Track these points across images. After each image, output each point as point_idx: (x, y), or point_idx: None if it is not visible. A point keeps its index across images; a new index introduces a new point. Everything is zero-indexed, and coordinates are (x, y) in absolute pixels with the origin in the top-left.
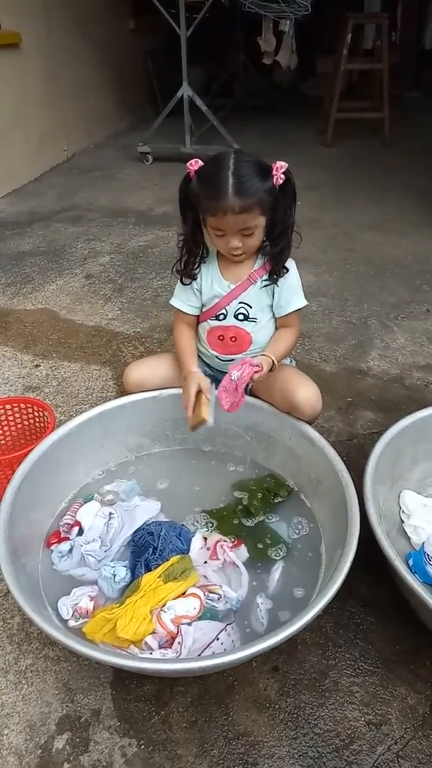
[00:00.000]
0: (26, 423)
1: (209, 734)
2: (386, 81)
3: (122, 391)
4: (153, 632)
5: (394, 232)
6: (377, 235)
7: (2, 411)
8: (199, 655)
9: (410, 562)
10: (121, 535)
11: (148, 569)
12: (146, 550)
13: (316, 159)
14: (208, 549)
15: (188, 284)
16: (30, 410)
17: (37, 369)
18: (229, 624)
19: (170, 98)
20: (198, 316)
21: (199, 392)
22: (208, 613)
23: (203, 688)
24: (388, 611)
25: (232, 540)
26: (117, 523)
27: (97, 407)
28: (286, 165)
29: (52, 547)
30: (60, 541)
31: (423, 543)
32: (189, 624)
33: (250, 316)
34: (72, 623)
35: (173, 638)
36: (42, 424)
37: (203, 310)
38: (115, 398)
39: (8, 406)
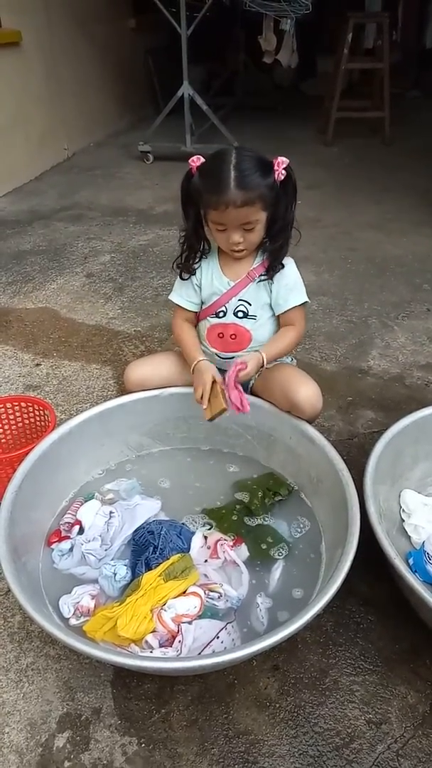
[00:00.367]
0: (27, 422)
1: (209, 733)
2: (387, 80)
3: (123, 390)
4: (153, 631)
5: (395, 231)
6: (378, 234)
7: (3, 410)
8: (200, 653)
9: (410, 561)
10: (122, 533)
11: (149, 568)
12: (147, 548)
13: (317, 158)
14: (209, 548)
15: (187, 279)
16: (30, 409)
17: (38, 368)
18: (230, 623)
19: (171, 97)
20: (197, 313)
21: (213, 382)
22: (208, 612)
23: (203, 686)
24: (389, 610)
25: (232, 538)
26: (117, 521)
27: (98, 406)
28: (287, 161)
29: (53, 546)
30: (60, 539)
31: (423, 542)
32: (189, 623)
33: (250, 314)
34: (73, 622)
35: (174, 637)
36: (42, 423)
37: (203, 307)
38: (116, 397)
39: (9, 405)
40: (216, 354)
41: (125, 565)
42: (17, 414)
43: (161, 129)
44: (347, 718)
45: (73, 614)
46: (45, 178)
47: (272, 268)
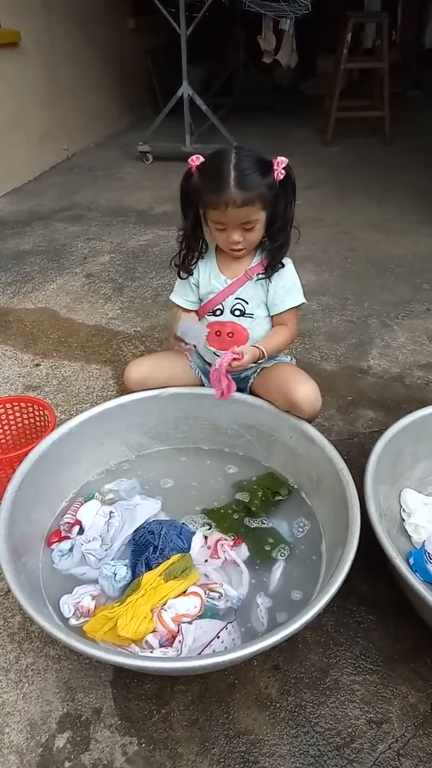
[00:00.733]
0: (27, 422)
1: (210, 733)
2: (386, 80)
3: (122, 390)
4: (154, 631)
5: (395, 231)
6: (378, 234)
7: (2, 410)
8: (200, 653)
9: (411, 560)
10: (122, 533)
11: (149, 568)
12: (147, 548)
13: (317, 158)
14: (209, 547)
15: (185, 278)
16: (30, 409)
17: (38, 368)
18: (230, 622)
19: (170, 97)
20: (195, 312)
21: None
22: (208, 612)
23: (204, 686)
24: (389, 610)
25: (232, 538)
26: (117, 521)
27: (98, 406)
28: (287, 160)
29: (53, 546)
30: (60, 540)
31: (424, 541)
32: (190, 622)
33: (247, 312)
34: (73, 622)
35: (174, 637)
36: (42, 423)
37: (201, 305)
38: (116, 397)
39: (8, 405)
40: (214, 352)
41: (125, 565)
42: (17, 414)
43: (161, 129)
44: (348, 718)
45: (73, 614)
46: (44, 179)
47: (271, 267)
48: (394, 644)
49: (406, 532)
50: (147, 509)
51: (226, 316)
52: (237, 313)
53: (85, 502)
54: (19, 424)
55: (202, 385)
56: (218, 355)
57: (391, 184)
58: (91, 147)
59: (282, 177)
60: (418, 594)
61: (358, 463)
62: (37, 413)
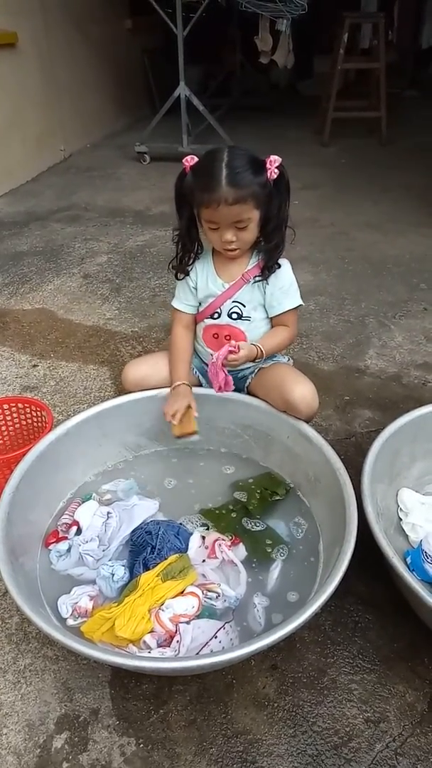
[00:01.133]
0: (24, 423)
1: (208, 733)
2: (383, 80)
3: (120, 391)
4: (151, 631)
5: (392, 231)
6: (375, 234)
7: (0, 411)
8: (198, 653)
9: (408, 560)
10: (120, 534)
11: (147, 568)
12: (144, 549)
13: (314, 158)
14: (207, 547)
15: (182, 279)
16: (28, 410)
17: (35, 369)
18: (228, 622)
19: (167, 98)
20: (195, 315)
21: (188, 406)
22: (206, 612)
23: (202, 686)
24: (386, 609)
25: (230, 537)
26: (115, 522)
27: (95, 407)
28: (280, 159)
29: (51, 547)
30: (58, 540)
31: (421, 541)
32: (187, 622)
33: (244, 315)
34: (71, 622)
35: (172, 637)
36: (40, 424)
37: (199, 309)
38: (113, 398)
39: (6, 406)
40: (211, 354)
41: (123, 566)
42: (14, 415)
43: (158, 130)
44: (345, 717)
45: (71, 615)
46: (42, 179)
47: (268, 268)
48: (392, 643)
49: (404, 531)
50: (144, 509)
51: (224, 320)
52: (234, 316)
53: (83, 502)
54: (17, 425)
55: (200, 385)
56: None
57: (388, 185)
58: (88, 147)
59: (275, 176)
60: (416, 593)
61: (355, 463)
62: (34, 414)
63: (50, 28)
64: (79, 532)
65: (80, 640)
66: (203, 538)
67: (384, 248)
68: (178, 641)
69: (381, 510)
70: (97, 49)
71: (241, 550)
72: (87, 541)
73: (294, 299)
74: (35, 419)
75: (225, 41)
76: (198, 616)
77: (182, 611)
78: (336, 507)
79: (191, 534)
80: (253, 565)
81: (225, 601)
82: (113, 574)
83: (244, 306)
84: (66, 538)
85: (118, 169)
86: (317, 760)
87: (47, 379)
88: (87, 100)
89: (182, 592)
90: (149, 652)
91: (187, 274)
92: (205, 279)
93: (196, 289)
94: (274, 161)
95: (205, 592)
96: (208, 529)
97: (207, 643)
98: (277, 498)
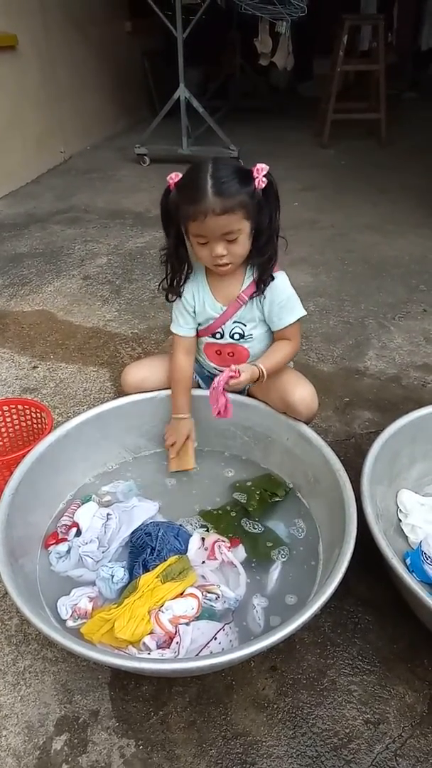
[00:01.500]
0: (24, 424)
1: (207, 734)
2: (383, 82)
3: (120, 392)
4: (151, 632)
5: (392, 232)
6: (375, 236)
7: (0, 413)
8: (197, 655)
9: (408, 561)
10: (119, 535)
11: (146, 570)
12: (144, 550)
13: (314, 160)
14: (206, 549)
15: (174, 301)
16: (28, 412)
17: (35, 370)
18: (227, 624)
19: (167, 100)
20: (196, 336)
21: (187, 438)
22: (206, 613)
23: (201, 688)
24: (386, 610)
25: (230, 538)
26: (115, 523)
27: (95, 408)
28: (267, 168)
29: (50, 548)
30: (58, 542)
31: (420, 542)
32: (187, 624)
33: (246, 334)
34: (70, 624)
35: (171, 638)
36: (40, 426)
37: (199, 329)
38: (113, 399)
39: (6, 408)
40: (213, 367)
41: (123, 567)
42: (14, 417)
43: (158, 131)
44: (345, 719)
45: (71, 616)
46: (42, 181)
47: (262, 282)
48: (392, 645)
49: (403, 532)
50: (144, 511)
51: (227, 340)
52: (236, 336)
53: (83, 504)
54: (17, 427)
55: (199, 387)
56: (219, 370)
57: (387, 186)
58: (88, 149)
59: (264, 185)
60: (415, 594)
61: (354, 464)
62: (34, 415)
63: (50, 30)
64: (78, 533)
65: (80, 641)
66: (203, 539)
67: (383, 250)
68: (177, 643)
69: (380, 511)
70: (97, 51)
71: (241, 552)
72: (86, 543)
73: (294, 313)
74: (35, 421)
75: (225, 43)
76: (197, 618)
77: (182, 613)
78: (335, 508)
79: (191, 535)
80: (253, 566)
81: (225, 602)
82: (113, 576)
83: (245, 325)
84: (66, 539)
85: (118, 171)
86: (317, 762)
87: (47, 380)
88: (87, 102)
89: (182, 594)
90: (149, 654)
91: (180, 295)
92: (203, 303)
93: (194, 312)
94: (261, 170)
95: (204, 593)
96: (207, 530)
97: (206, 644)
98: (277, 499)
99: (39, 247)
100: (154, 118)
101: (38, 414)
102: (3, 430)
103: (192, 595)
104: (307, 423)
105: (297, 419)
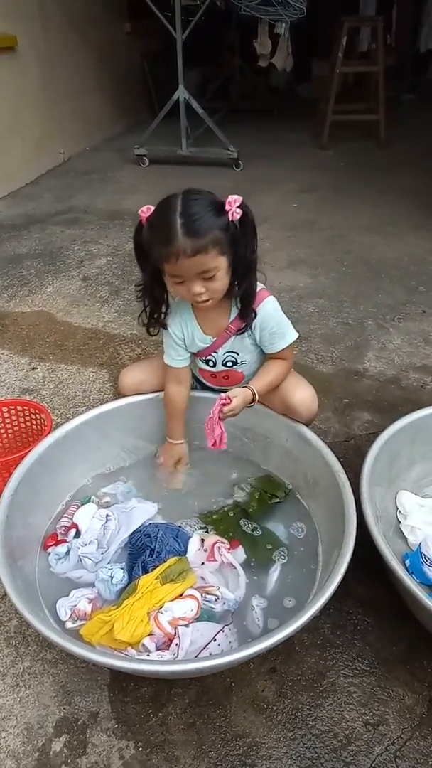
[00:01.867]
0: (23, 425)
1: (207, 736)
2: (382, 83)
3: (119, 394)
4: (150, 634)
5: (391, 233)
6: (374, 237)
7: None
8: (197, 656)
9: (407, 562)
10: (118, 537)
11: (146, 571)
12: (143, 552)
13: (313, 161)
14: (206, 550)
15: (156, 334)
16: (27, 413)
17: (34, 371)
18: (227, 625)
19: (166, 101)
20: (189, 366)
21: (179, 461)
22: (205, 615)
23: (201, 689)
24: (386, 612)
25: (229, 539)
26: (114, 525)
27: (94, 409)
28: (240, 198)
29: (49, 550)
30: (57, 543)
31: (420, 543)
32: (186, 625)
33: (239, 361)
34: (69, 625)
35: (170, 640)
36: (39, 427)
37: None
38: (112, 400)
39: (5, 409)
40: (208, 386)
41: (122, 569)
42: (13, 418)
43: (157, 133)
44: (345, 720)
45: (70, 618)
46: (41, 182)
47: (247, 316)
48: (391, 646)
49: (403, 534)
50: (143, 512)
51: (219, 367)
52: (229, 364)
53: (82, 505)
54: (16, 428)
55: (197, 388)
56: (214, 390)
57: (386, 188)
58: (88, 150)
59: (238, 216)
60: (415, 596)
61: (354, 465)
62: (33, 417)
63: (49, 31)
64: (77, 534)
65: (79, 643)
66: (202, 540)
67: (382, 251)
68: (177, 644)
69: (380, 512)
70: (97, 53)
71: (240, 553)
72: (86, 544)
73: (285, 338)
74: (34, 422)
75: (224, 45)
76: (197, 619)
77: (181, 614)
78: (335, 509)
79: (190, 537)
80: (252, 567)
81: (224, 604)
82: (112, 577)
83: (237, 353)
84: (65, 540)
85: (117, 172)
86: (316, 764)
87: (46, 381)
88: (86, 104)
89: (181, 595)
90: (148, 655)
91: (165, 327)
92: (191, 336)
93: (184, 343)
94: (234, 201)
95: (204, 595)
96: (207, 531)
97: (206, 646)
98: (277, 501)
99: (38, 248)
100: (154, 119)
101: (37, 415)
102: (2, 431)
103: (191, 596)
104: (307, 424)
105: (297, 420)
